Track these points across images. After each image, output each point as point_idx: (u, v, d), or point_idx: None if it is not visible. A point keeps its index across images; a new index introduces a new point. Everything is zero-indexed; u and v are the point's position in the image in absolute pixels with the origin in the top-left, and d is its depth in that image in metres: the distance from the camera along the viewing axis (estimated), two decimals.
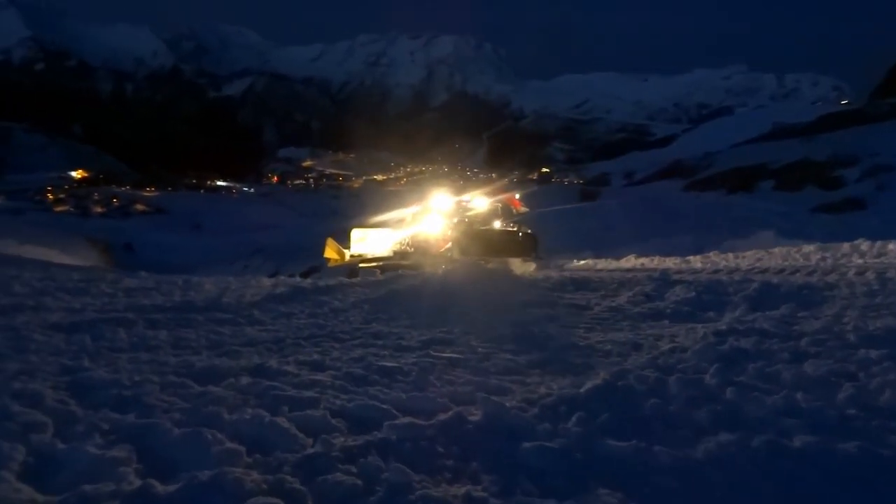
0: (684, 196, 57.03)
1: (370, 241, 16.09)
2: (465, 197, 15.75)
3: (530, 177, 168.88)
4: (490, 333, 5.47)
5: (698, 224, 36.21)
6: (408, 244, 15.31)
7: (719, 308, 6.56)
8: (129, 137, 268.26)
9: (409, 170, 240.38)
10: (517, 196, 16.64)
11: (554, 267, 14.08)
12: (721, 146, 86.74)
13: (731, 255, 12.53)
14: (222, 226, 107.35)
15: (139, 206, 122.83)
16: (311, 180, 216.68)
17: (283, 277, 12.80)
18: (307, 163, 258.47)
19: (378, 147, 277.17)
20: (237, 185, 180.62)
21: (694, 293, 6.99)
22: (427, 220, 15.12)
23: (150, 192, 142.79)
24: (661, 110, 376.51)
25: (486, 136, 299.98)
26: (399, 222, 16.78)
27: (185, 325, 5.80)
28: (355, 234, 16.34)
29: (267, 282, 9.71)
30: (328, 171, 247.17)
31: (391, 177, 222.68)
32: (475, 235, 14.12)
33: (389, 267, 13.63)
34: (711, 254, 13.65)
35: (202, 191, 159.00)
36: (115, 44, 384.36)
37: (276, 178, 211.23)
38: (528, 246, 14.40)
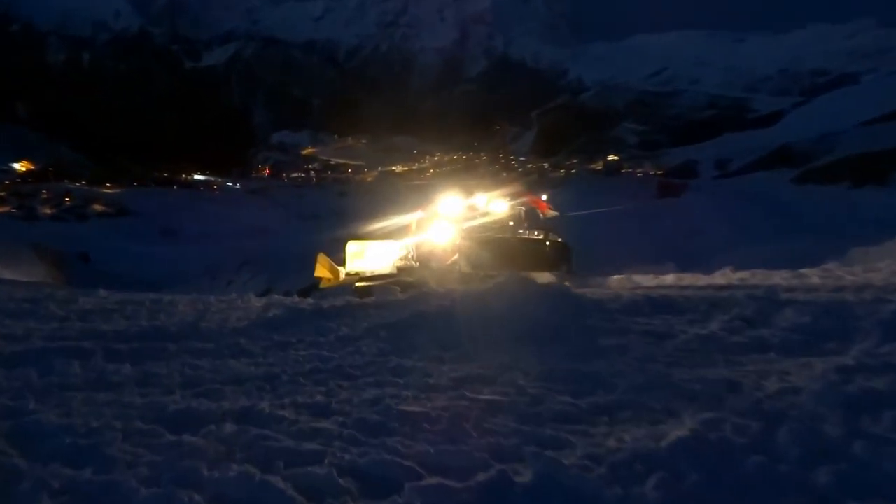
0: (795, 191, 57.30)
1: (369, 256, 16.53)
2: (480, 199, 16.21)
3: (593, 167, 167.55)
4: (541, 369, 5.49)
5: (814, 227, 35.26)
6: (413, 258, 15.77)
7: (844, 337, 6.51)
8: (85, 120, 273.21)
9: (436, 158, 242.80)
10: (544, 197, 17.23)
11: (619, 283, 13.79)
12: (843, 125, 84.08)
13: (858, 269, 12.22)
14: (201, 231, 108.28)
15: (98, 207, 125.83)
16: (312, 173, 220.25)
17: (276, 296, 12.83)
18: (307, 150, 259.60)
19: (397, 130, 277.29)
20: (220, 180, 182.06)
21: (809, 318, 7.02)
22: (434, 227, 15.63)
23: (111, 189, 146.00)
24: (763, 79, 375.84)
25: (535, 116, 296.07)
26: (401, 231, 17.42)
27: (154, 357, 5.87)
28: (351, 247, 16.48)
29: (257, 302, 9.79)
30: (333, 160, 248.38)
31: (414, 168, 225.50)
32: (488, 244, 14.65)
33: (394, 285, 13.67)
34: (832, 266, 13.32)
35: (176, 187, 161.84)
36: (69, 4, 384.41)
37: (267, 171, 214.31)
38: (556, 257, 14.93)
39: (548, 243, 15.17)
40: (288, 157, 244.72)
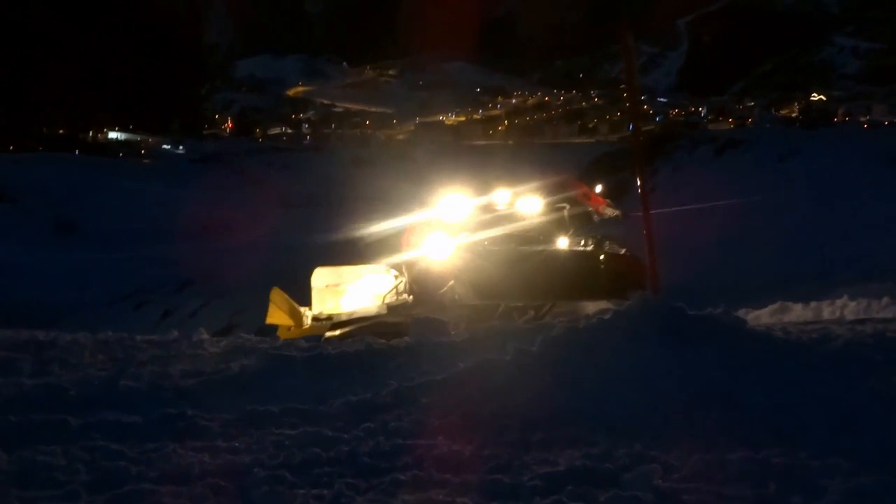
0: None
1: (346, 290, 12.75)
2: (501, 196, 12.54)
3: (785, 113, 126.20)
4: (705, 459, 4.13)
5: None
6: (407, 289, 12.19)
7: None
8: None
9: (514, 101, 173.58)
10: (598, 189, 13.83)
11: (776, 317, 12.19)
12: None
13: None
14: (119, 226, 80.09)
15: None
16: (306, 127, 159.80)
17: (244, 336, 9.62)
18: (297, 89, 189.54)
19: (447, 54, 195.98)
20: (150, 140, 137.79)
21: None
22: (430, 241, 12.00)
23: None
24: None
25: (685, 26, 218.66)
26: (389, 249, 13.49)
27: (44, 439, 4.62)
28: (318, 277, 12.71)
29: (213, 345, 7.25)
30: (341, 105, 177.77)
31: (476, 117, 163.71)
32: (500, 261, 11.30)
33: (376, 335, 9.38)
34: None
35: (79, 152, 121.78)
36: None
37: (230, 124, 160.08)
38: (617, 279, 11.21)
39: (602, 257, 11.59)
40: (264, 100, 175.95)
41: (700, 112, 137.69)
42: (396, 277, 12.63)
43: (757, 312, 13.99)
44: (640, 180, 12.57)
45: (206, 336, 9.35)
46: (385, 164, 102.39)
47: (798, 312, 13.61)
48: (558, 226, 12.41)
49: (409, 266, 12.44)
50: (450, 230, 12.12)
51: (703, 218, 32.24)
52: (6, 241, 68.34)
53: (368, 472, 4.24)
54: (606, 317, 7.49)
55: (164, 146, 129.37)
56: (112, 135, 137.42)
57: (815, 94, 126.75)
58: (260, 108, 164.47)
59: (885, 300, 13.53)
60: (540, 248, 11.91)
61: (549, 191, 12.92)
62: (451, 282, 11.71)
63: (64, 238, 76.03)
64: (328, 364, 6.67)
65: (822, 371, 6.04)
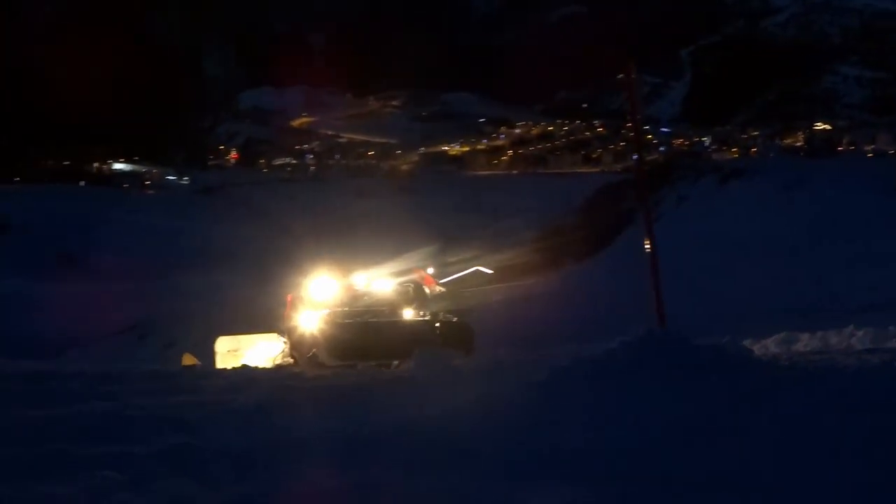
0: None
1: (245, 354, 16.08)
2: (359, 278, 16.46)
3: (789, 142, 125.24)
4: None
5: None
6: (289, 352, 15.78)
7: None
8: None
9: (517, 131, 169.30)
10: (430, 271, 17.55)
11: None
12: None
13: None
14: (122, 258, 76.96)
15: None
16: (311, 157, 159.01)
17: (248, 367, 10.44)
18: (301, 120, 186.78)
19: (450, 83, 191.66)
20: (156, 171, 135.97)
21: None
22: (302, 314, 15.59)
23: None
24: None
25: (687, 56, 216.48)
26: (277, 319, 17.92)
27: (46, 470, 4.36)
28: (220, 344, 16.52)
29: (216, 376, 7.05)
30: (345, 136, 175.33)
31: (480, 147, 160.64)
32: (351, 329, 14.80)
33: None
34: None
35: (84, 183, 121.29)
36: None
37: (234, 156, 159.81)
38: (449, 341, 14.60)
39: (438, 324, 15.47)
40: (268, 131, 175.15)
41: (704, 142, 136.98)
42: (285, 343, 15.83)
43: (764, 342, 13.85)
44: (645, 210, 13.16)
45: (209, 367, 9.64)
46: (389, 196, 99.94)
47: (805, 342, 13.39)
48: (403, 300, 15.75)
49: (290, 333, 15.62)
50: (316, 305, 15.27)
51: (708, 247, 32.03)
52: (10, 273, 68.06)
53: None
54: (613, 347, 7.39)
55: (169, 177, 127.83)
56: (117, 166, 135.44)
57: (818, 124, 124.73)
58: (264, 139, 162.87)
59: (892, 329, 13.29)
60: (385, 318, 15.27)
61: (395, 273, 16.38)
62: (314, 349, 14.59)
63: (67, 269, 74.53)
64: (328, 396, 6.77)
65: (826, 403, 5.74)
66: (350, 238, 63.45)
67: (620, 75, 11.88)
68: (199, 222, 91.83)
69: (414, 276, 17.03)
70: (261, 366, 15.02)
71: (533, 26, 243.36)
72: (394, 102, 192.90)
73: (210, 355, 16.71)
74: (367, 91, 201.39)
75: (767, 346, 13.26)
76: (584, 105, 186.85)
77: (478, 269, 40.79)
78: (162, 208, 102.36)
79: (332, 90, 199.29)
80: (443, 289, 17.94)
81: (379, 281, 16.53)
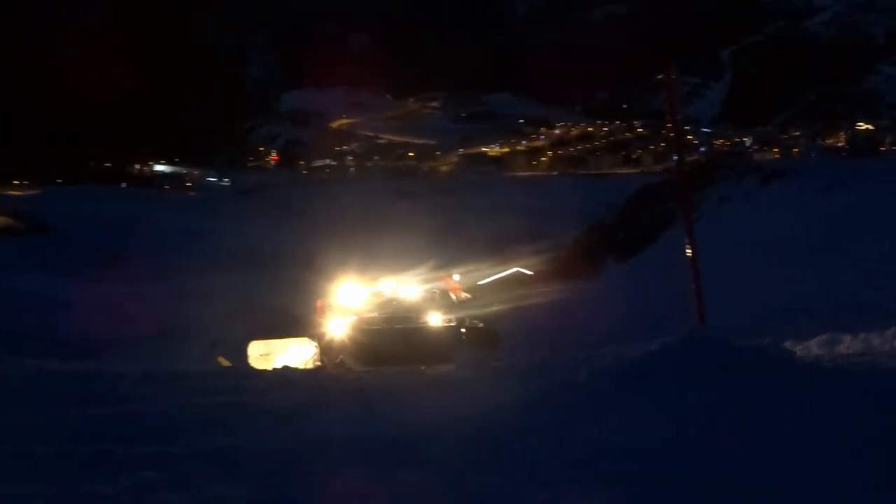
0: None
1: (276, 358, 16.45)
2: (386, 285, 17.02)
3: (832, 141, 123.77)
4: None
5: None
6: (316, 357, 16.35)
7: None
8: None
9: (557, 132, 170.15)
10: (456, 278, 18.20)
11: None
12: None
13: None
14: (163, 259, 77.34)
15: None
16: (350, 159, 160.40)
17: (289, 368, 10.69)
18: (340, 122, 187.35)
19: (490, 84, 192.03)
20: (196, 173, 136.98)
21: None
22: (331, 321, 16.17)
23: (20, 192, 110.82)
24: None
25: (728, 56, 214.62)
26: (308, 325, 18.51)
27: (89, 470, 4.37)
28: (253, 349, 17.09)
29: (257, 377, 7.15)
30: (384, 137, 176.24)
31: (519, 147, 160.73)
32: (377, 336, 15.09)
33: None
34: None
35: (125, 185, 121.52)
36: None
37: (274, 157, 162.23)
38: (474, 346, 15.00)
39: (463, 330, 15.78)
40: (308, 132, 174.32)
41: (745, 142, 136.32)
42: (316, 348, 16.27)
43: (806, 343, 13.71)
44: (685, 211, 13.02)
45: (250, 368, 9.82)
46: (429, 196, 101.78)
47: (848, 343, 13.23)
48: (429, 306, 16.22)
49: (319, 339, 16.11)
50: (344, 312, 15.84)
51: (750, 248, 31.56)
52: (52, 274, 68.60)
53: None
54: (653, 348, 7.38)
55: (210, 178, 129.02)
56: (158, 167, 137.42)
57: (861, 124, 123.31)
58: (304, 140, 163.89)
59: None
60: (411, 325, 15.63)
61: (423, 279, 16.96)
62: (341, 355, 15.05)
63: (109, 270, 73.83)
64: (369, 396, 6.79)
65: (869, 406, 5.63)
66: (389, 240, 62.80)
67: (660, 75, 11.85)
68: (239, 224, 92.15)
69: (440, 283, 17.59)
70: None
71: (573, 26, 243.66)
72: (433, 103, 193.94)
73: (244, 359, 17.26)
74: (407, 92, 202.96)
75: (810, 348, 13.14)
76: (625, 105, 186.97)
77: (518, 270, 41.18)
78: (202, 210, 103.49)
79: (372, 91, 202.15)
80: (468, 295, 18.38)
81: (406, 287, 17.07)
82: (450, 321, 16.27)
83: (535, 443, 5.26)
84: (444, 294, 17.16)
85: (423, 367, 14.56)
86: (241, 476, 4.77)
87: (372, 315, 16.29)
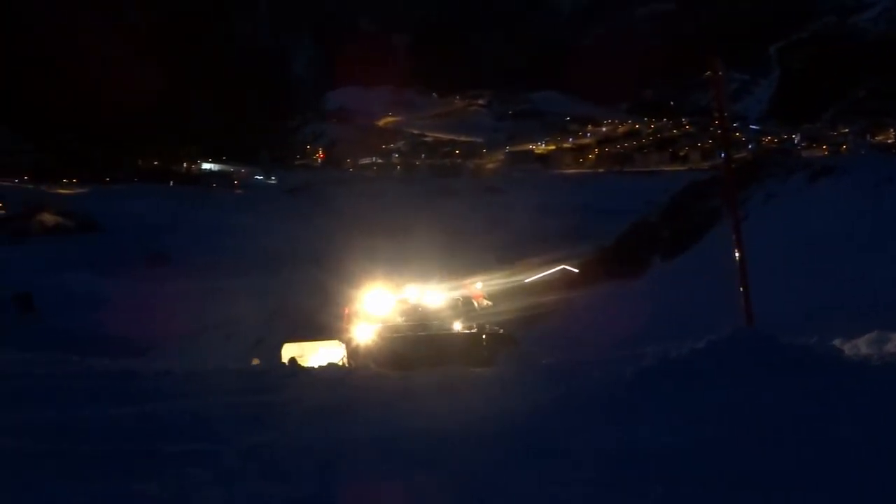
0: None
1: (307, 360, 16.63)
2: (410, 291, 17.37)
3: (881, 138, 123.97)
4: None
5: None
6: (344, 359, 16.71)
7: None
8: (15, 78, 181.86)
9: (604, 129, 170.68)
10: (479, 286, 18.53)
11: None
12: None
13: None
14: (208, 257, 78.81)
15: (47, 218, 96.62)
16: (396, 157, 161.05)
17: (332, 365, 10.97)
18: (386, 120, 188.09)
19: (536, 83, 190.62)
20: (244, 171, 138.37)
21: None
22: (358, 327, 16.67)
23: (70, 191, 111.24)
24: None
25: (775, 53, 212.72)
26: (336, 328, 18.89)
27: (136, 467, 4.47)
28: (286, 351, 17.59)
29: (300, 374, 7.41)
30: (430, 135, 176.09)
31: (566, 145, 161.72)
32: (401, 342, 15.67)
33: None
34: None
35: (172, 183, 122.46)
36: None
37: (320, 155, 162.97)
38: (493, 350, 15.12)
39: (484, 336, 16.22)
40: (354, 131, 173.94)
41: (793, 139, 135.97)
42: (344, 350, 16.76)
43: (854, 341, 13.55)
44: (732, 208, 12.98)
45: (292, 366, 10.23)
46: (472, 195, 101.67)
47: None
48: (453, 313, 16.67)
49: (347, 343, 16.65)
50: (370, 319, 16.38)
51: (797, 245, 31.07)
52: (100, 272, 69.43)
53: None
54: (700, 346, 7.38)
55: (257, 177, 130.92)
56: (205, 166, 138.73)
57: None
58: (350, 138, 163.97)
59: None
60: (434, 331, 16.13)
61: (447, 287, 17.39)
62: (367, 361, 15.22)
63: (156, 268, 75.56)
64: (411, 395, 6.84)
65: None
66: (428, 241, 63.43)
67: (707, 73, 11.81)
68: (283, 223, 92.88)
69: (464, 291, 18.02)
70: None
71: (619, 23, 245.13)
72: (479, 101, 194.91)
73: (278, 360, 17.46)
74: (453, 90, 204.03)
75: (858, 346, 12.97)
76: (671, 102, 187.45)
77: (564, 268, 41.19)
78: (249, 208, 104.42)
79: (417, 89, 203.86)
80: (490, 303, 18.78)
81: (430, 294, 17.46)
82: (471, 328, 16.82)
83: (582, 440, 5.22)
84: (468, 301, 17.63)
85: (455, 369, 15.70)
86: (282, 473, 4.69)
87: (396, 322, 16.80)
